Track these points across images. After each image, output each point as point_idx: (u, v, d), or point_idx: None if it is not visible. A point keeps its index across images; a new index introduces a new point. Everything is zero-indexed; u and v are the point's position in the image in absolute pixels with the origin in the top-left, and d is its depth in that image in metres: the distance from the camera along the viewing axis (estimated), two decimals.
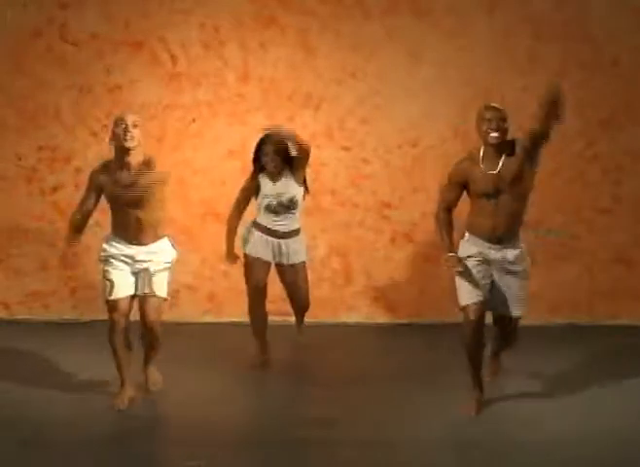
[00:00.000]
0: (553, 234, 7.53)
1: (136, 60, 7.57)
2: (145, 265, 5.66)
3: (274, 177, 6.42)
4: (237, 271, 7.66)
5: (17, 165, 7.64)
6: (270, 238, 6.45)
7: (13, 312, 7.74)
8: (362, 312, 7.58)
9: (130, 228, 5.65)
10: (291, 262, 6.50)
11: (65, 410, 5.58)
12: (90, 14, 7.55)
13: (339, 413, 5.64)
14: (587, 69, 7.56)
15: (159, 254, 5.71)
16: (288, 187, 6.43)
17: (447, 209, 5.64)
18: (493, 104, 5.61)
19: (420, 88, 7.61)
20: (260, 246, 6.45)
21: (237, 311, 7.67)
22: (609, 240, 7.65)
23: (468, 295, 5.52)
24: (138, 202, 5.59)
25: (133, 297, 5.72)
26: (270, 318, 7.75)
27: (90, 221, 7.42)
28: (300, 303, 6.72)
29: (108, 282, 5.68)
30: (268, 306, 7.77)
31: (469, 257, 5.55)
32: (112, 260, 5.69)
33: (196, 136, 7.63)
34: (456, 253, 5.55)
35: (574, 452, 5.03)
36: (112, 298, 5.65)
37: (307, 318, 7.27)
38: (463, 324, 5.50)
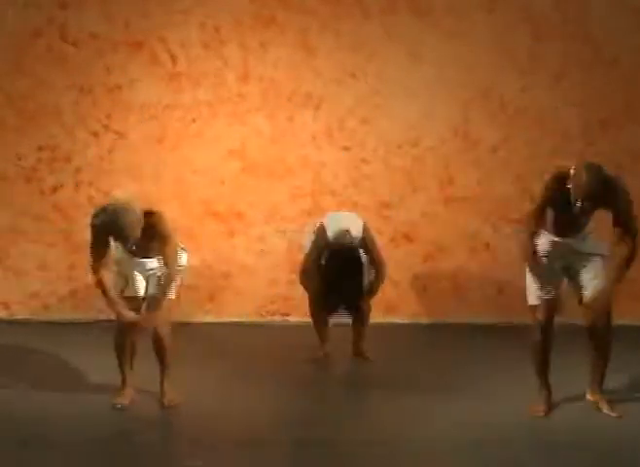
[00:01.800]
0: None
1: (136, 60, 7.57)
2: (155, 269, 5.64)
3: None
4: (237, 272, 7.69)
5: (17, 165, 7.63)
6: None
7: (13, 312, 7.74)
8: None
9: (140, 253, 5.66)
10: None
11: (65, 410, 5.57)
12: (90, 14, 7.55)
13: (339, 413, 5.64)
14: (587, 69, 7.56)
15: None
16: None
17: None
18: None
19: (420, 88, 7.61)
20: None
21: (237, 311, 7.68)
22: (609, 240, 7.63)
23: (536, 293, 5.45)
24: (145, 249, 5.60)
25: (143, 299, 5.72)
26: (270, 318, 7.77)
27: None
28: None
29: (123, 279, 5.67)
30: (269, 306, 7.79)
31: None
32: (124, 262, 5.68)
33: (196, 136, 7.63)
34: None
35: (574, 453, 5.02)
36: (126, 294, 5.64)
37: (306, 318, 7.25)
38: (532, 324, 5.46)
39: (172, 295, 5.66)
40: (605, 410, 5.49)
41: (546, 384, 5.60)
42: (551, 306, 5.46)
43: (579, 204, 5.09)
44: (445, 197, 7.70)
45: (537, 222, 5.40)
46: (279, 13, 7.57)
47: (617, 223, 5.30)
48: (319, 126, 7.58)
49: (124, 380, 5.73)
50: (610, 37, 7.54)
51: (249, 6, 7.57)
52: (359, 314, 6.61)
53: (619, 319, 7.53)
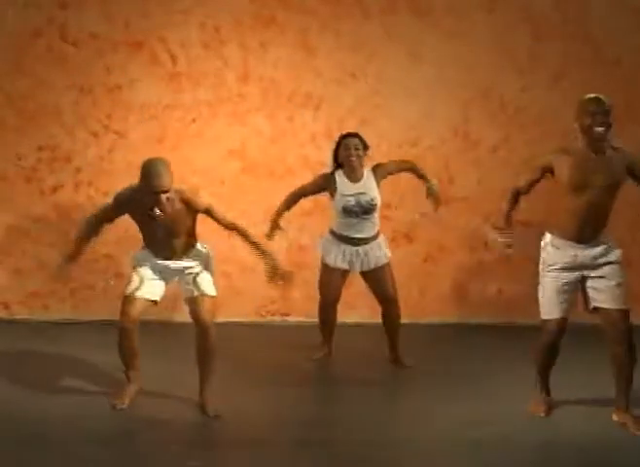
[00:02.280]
0: None
1: (136, 60, 7.57)
2: (182, 268, 5.64)
3: (354, 177, 6.44)
4: (237, 272, 7.69)
5: (17, 165, 7.64)
6: (352, 248, 6.49)
7: (13, 312, 7.74)
8: (362, 312, 7.58)
9: (162, 250, 5.65)
10: (372, 266, 6.50)
11: (65, 410, 5.57)
12: (90, 14, 7.55)
13: (339, 413, 5.64)
14: (587, 69, 7.57)
15: (194, 261, 5.69)
16: (369, 188, 6.44)
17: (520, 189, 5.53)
18: (597, 95, 5.38)
19: (420, 88, 7.62)
20: (336, 252, 6.52)
21: (237, 311, 7.68)
22: None
23: (549, 309, 5.42)
24: (170, 231, 5.56)
25: (155, 303, 5.72)
26: (270, 318, 7.77)
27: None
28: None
29: (136, 277, 5.66)
30: (269, 306, 7.79)
31: (551, 266, 5.41)
32: (144, 264, 5.69)
33: (196, 136, 7.63)
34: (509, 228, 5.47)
35: (574, 453, 5.03)
36: (133, 294, 5.63)
37: (306, 318, 7.27)
38: (541, 334, 5.45)
39: (214, 292, 5.66)
40: (632, 429, 5.32)
41: (546, 386, 5.61)
42: (562, 323, 5.43)
43: (600, 129, 5.22)
44: (445, 197, 7.70)
45: (529, 182, 5.50)
46: (279, 13, 7.57)
47: None
48: (319, 126, 7.58)
49: (127, 379, 5.73)
50: (610, 37, 7.55)
51: (249, 6, 7.57)
52: (388, 318, 6.61)
53: None
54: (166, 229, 5.54)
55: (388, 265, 6.54)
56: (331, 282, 6.59)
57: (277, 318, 7.77)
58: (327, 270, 6.56)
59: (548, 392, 5.63)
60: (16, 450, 4.98)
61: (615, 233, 7.48)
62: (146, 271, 5.66)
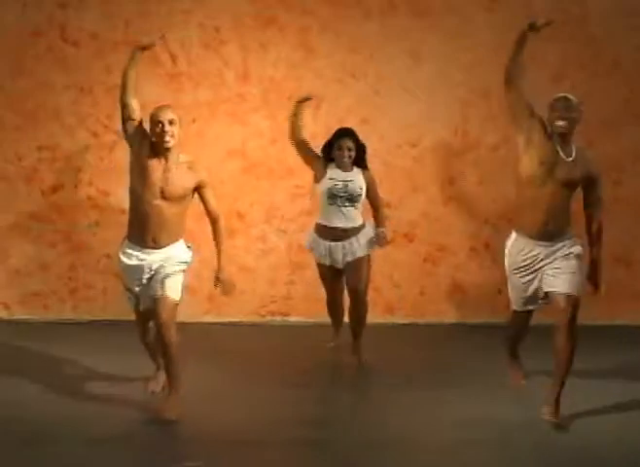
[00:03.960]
0: None
1: None
2: (159, 266, 5.56)
3: (344, 169, 6.54)
4: (237, 272, 7.68)
5: (17, 165, 7.64)
6: (332, 243, 6.51)
7: (13, 312, 7.74)
8: None
9: (150, 223, 5.52)
10: (350, 259, 6.52)
11: (65, 410, 5.57)
12: (90, 14, 7.55)
13: (339, 413, 5.64)
14: (587, 69, 7.57)
15: (173, 257, 5.59)
16: (358, 179, 6.53)
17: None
18: (565, 95, 5.53)
19: (420, 88, 7.62)
20: (325, 253, 6.56)
21: (237, 311, 7.68)
22: (609, 240, 7.64)
23: (516, 303, 5.74)
24: (167, 197, 5.52)
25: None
26: (270, 318, 7.77)
27: (91, 220, 7.46)
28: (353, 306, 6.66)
29: (132, 296, 5.67)
30: (270, 306, 7.79)
31: (516, 270, 5.58)
32: (130, 271, 5.60)
33: (196, 136, 7.63)
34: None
35: (573, 453, 5.03)
36: (140, 309, 5.68)
37: (306, 318, 7.28)
38: (512, 318, 5.83)
39: (178, 297, 5.55)
40: (547, 416, 5.44)
41: (515, 352, 5.98)
42: (527, 315, 5.78)
43: (562, 123, 5.38)
44: (445, 197, 7.71)
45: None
46: (279, 13, 7.57)
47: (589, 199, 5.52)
48: (319, 126, 7.58)
49: (157, 367, 5.88)
50: (610, 37, 7.54)
51: (249, 6, 7.57)
52: (352, 312, 6.61)
53: (619, 319, 7.58)
54: (165, 203, 5.51)
55: (364, 258, 6.51)
56: (326, 277, 6.64)
57: (277, 318, 7.77)
58: (318, 266, 6.64)
59: (518, 358, 5.99)
60: (16, 451, 4.98)
61: (614, 233, 7.53)
62: (132, 283, 5.63)
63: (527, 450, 5.07)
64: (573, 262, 5.46)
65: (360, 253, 6.48)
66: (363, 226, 6.53)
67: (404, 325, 7.59)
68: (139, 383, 5.93)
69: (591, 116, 7.51)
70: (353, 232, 6.48)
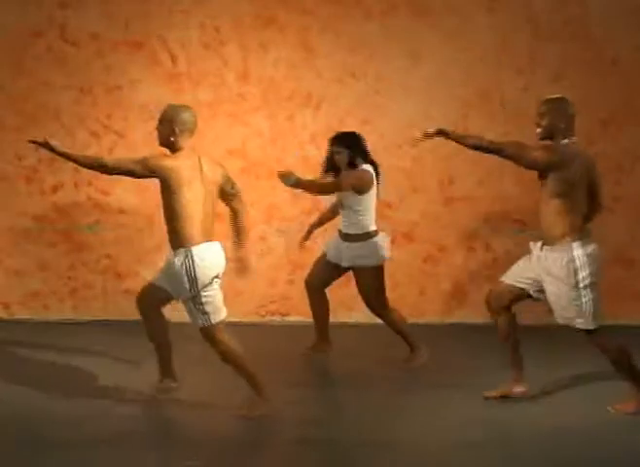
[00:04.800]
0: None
1: (136, 60, 7.58)
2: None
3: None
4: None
5: (17, 165, 7.64)
6: (340, 240, 6.53)
7: (13, 312, 7.74)
8: (362, 312, 7.57)
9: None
10: (349, 265, 6.50)
11: (65, 409, 5.57)
12: (90, 14, 7.55)
13: (339, 413, 5.64)
14: (587, 69, 7.57)
15: (174, 278, 5.46)
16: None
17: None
18: (550, 97, 5.47)
19: (420, 88, 7.62)
20: (331, 244, 6.60)
21: (237, 311, 7.67)
22: (609, 240, 7.64)
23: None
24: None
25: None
26: (270, 318, 7.77)
27: (91, 220, 7.46)
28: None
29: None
30: (269, 306, 7.78)
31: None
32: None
33: (196, 136, 7.60)
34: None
35: (573, 453, 5.03)
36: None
37: (305, 318, 7.26)
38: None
39: None
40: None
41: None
42: (502, 288, 5.68)
43: (538, 130, 5.32)
44: (445, 197, 7.71)
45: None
46: (279, 13, 7.57)
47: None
48: (319, 126, 7.58)
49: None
50: (610, 37, 7.54)
51: (249, 6, 7.57)
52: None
53: (619, 319, 7.57)
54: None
55: (366, 269, 6.45)
56: (315, 263, 6.66)
57: (277, 318, 7.77)
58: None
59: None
60: (16, 451, 4.98)
61: (615, 233, 7.53)
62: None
63: (527, 450, 5.07)
64: (572, 292, 5.39)
65: (360, 261, 6.44)
66: (368, 235, 6.44)
67: None
68: (139, 383, 5.92)
69: (591, 116, 7.54)
70: (354, 238, 6.45)
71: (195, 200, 5.34)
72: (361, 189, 6.36)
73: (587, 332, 5.41)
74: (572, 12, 7.56)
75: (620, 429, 5.33)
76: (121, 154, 7.58)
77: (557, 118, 5.36)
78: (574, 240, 5.32)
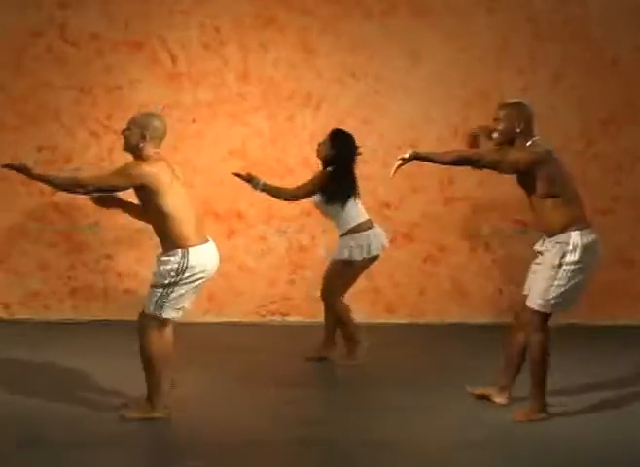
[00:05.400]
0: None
1: (136, 60, 7.58)
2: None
3: None
4: (237, 272, 7.69)
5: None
6: None
7: (13, 312, 7.74)
8: (362, 312, 7.57)
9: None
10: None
11: (65, 410, 5.57)
12: (90, 14, 7.55)
13: (339, 413, 5.64)
14: (587, 69, 7.57)
15: (158, 268, 5.31)
16: None
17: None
18: (506, 101, 5.51)
19: (420, 88, 7.62)
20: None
21: (237, 311, 7.68)
22: (609, 240, 7.63)
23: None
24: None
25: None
26: (270, 318, 7.77)
27: (91, 220, 7.46)
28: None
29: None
30: (269, 306, 7.78)
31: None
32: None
33: (196, 136, 7.64)
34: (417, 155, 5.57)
35: (572, 453, 5.03)
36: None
37: (306, 318, 7.27)
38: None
39: (149, 309, 5.31)
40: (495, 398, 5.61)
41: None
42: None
43: (495, 135, 5.34)
44: (445, 197, 7.71)
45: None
46: (279, 13, 7.57)
47: None
48: (319, 126, 7.58)
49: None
50: (610, 37, 7.55)
51: (249, 6, 7.57)
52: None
53: (619, 319, 7.59)
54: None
55: (336, 262, 6.48)
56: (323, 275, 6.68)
57: (277, 318, 7.77)
58: None
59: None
60: (14, 451, 4.98)
61: (615, 233, 7.53)
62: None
63: (527, 450, 5.07)
64: (546, 272, 5.34)
65: (335, 255, 6.49)
66: (346, 231, 6.46)
67: (404, 325, 7.59)
68: (139, 383, 5.92)
69: (591, 116, 7.55)
70: (342, 236, 6.49)
71: (183, 202, 5.30)
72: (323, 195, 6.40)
73: (534, 312, 5.35)
74: (572, 12, 7.56)
75: (619, 429, 5.33)
76: (121, 154, 7.57)
77: (513, 122, 5.33)
78: (574, 230, 5.30)
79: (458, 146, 7.64)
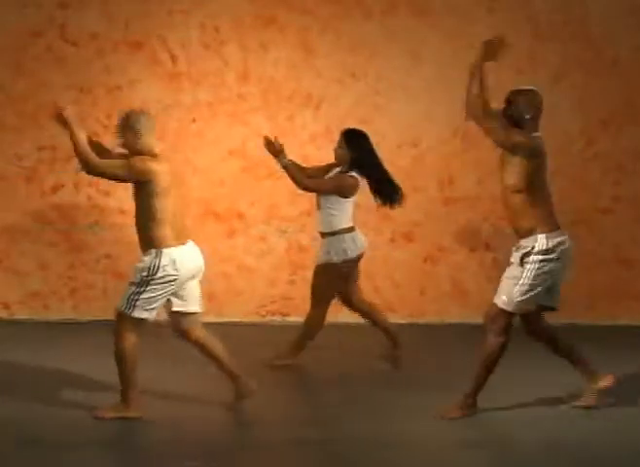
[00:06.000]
0: None
1: (136, 60, 7.58)
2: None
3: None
4: (237, 272, 7.69)
5: (17, 165, 7.64)
6: None
7: (13, 312, 7.74)
8: None
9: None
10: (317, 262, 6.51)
11: (65, 410, 5.57)
12: (90, 14, 7.55)
13: (339, 413, 5.64)
14: (587, 69, 7.57)
15: (137, 267, 5.42)
16: None
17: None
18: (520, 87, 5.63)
19: (420, 88, 7.62)
20: None
21: (237, 311, 7.68)
22: (609, 240, 7.66)
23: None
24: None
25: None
26: (270, 318, 7.77)
27: (91, 220, 7.45)
28: None
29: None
30: (269, 306, 7.78)
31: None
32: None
33: (196, 136, 7.63)
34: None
35: (572, 453, 5.03)
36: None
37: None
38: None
39: (121, 306, 5.43)
40: None
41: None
42: None
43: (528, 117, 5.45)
44: (445, 197, 7.71)
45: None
46: (279, 13, 7.57)
47: None
48: (319, 126, 7.59)
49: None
50: (610, 37, 7.55)
51: (249, 6, 7.57)
52: None
53: (619, 319, 7.59)
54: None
55: (321, 266, 6.43)
56: None
57: (277, 318, 7.77)
58: None
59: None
60: (14, 452, 4.98)
61: (615, 233, 7.54)
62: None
63: (527, 450, 5.07)
64: (517, 270, 5.40)
65: (321, 259, 6.44)
66: (332, 233, 6.40)
67: (404, 325, 7.58)
68: (139, 383, 5.91)
69: (591, 116, 7.55)
70: (323, 235, 6.45)
71: (172, 207, 5.31)
72: (341, 193, 6.35)
73: (499, 312, 5.46)
74: (572, 12, 7.56)
75: (620, 429, 5.33)
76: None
77: (525, 108, 5.49)
78: (540, 233, 5.33)
79: (458, 146, 7.68)
